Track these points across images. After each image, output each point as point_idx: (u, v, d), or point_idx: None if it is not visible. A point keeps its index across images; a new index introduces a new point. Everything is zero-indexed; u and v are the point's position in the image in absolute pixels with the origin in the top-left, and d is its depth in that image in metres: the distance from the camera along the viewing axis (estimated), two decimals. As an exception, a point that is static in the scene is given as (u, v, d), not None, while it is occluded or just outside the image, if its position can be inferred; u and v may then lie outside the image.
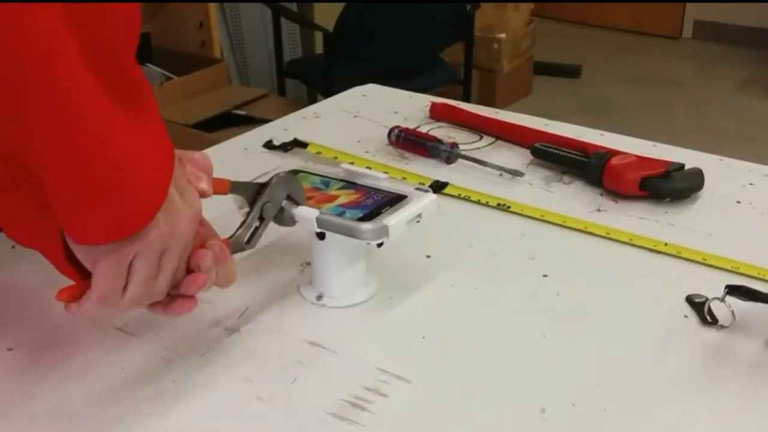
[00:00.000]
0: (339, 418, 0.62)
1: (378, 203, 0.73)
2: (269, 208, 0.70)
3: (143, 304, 0.61)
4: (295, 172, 0.78)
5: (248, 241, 0.69)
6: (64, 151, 0.51)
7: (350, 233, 0.70)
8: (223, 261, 0.64)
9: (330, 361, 0.68)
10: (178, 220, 0.58)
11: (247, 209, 0.70)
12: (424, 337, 0.71)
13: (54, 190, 0.54)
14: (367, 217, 0.71)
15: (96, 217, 0.54)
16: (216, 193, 0.65)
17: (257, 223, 0.70)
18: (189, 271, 0.62)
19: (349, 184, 0.77)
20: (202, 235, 0.64)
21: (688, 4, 4.83)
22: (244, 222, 0.69)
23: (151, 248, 0.57)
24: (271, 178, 0.71)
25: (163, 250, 0.58)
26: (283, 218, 0.72)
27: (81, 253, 0.57)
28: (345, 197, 0.74)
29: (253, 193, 0.70)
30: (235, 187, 0.69)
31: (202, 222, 0.65)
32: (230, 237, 0.68)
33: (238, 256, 0.67)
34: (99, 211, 0.54)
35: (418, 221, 0.72)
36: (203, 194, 0.63)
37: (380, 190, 0.75)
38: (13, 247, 0.84)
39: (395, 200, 0.73)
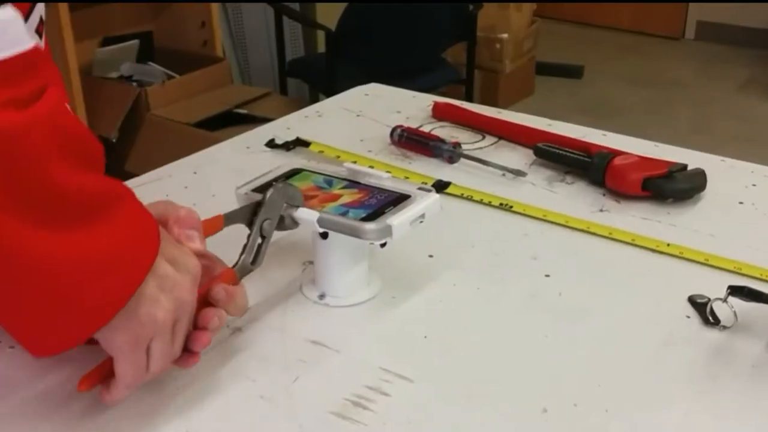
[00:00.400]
0: (341, 417, 0.62)
1: (381, 203, 0.73)
2: (268, 224, 0.70)
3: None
4: (297, 171, 0.78)
5: (253, 262, 0.69)
6: None
7: (354, 233, 0.70)
8: (230, 301, 0.65)
9: (332, 360, 0.68)
10: (181, 293, 0.59)
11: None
12: (426, 337, 0.71)
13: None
14: (371, 217, 0.71)
15: (46, 333, 0.56)
16: (210, 234, 0.67)
17: (259, 241, 0.70)
18: (195, 326, 0.63)
19: (353, 183, 0.77)
20: (208, 268, 0.65)
21: (690, 5, 4.83)
22: (246, 245, 0.69)
23: (165, 327, 0.59)
24: (264, 195, 0.71)
25: (174, 322, 0.60)
26: (284, 225, 0.72)
27: (102, 344, 0.59)
28: (348, 196, 0.74)
29: (249, 215, 0.70)
30: (229, 219, 0.69)
31: (206, 255, 0.66)
32: (235, 264, 0.68)
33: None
34: (47, 329, 0.55)
35: (421, 221, 0.72)
36: (198, 252, 0.64)
37: (384, 189, 0.75)
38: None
39: (399, 200, 0.73)
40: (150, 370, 0.60)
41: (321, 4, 3.35)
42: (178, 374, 0.66)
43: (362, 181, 0.77)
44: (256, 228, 0.70)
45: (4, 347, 0.69)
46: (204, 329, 0.63)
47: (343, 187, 0.76)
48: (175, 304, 0.59)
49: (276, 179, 0.77)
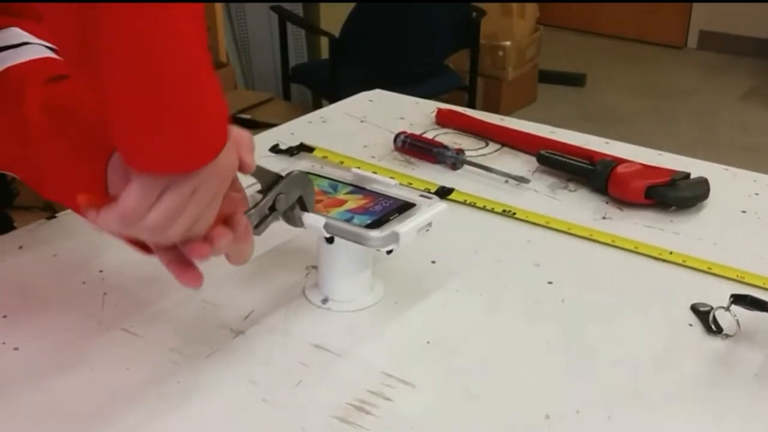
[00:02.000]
0: (343, 422, 0.62)
1: (386, 210, 0.73)
2: (282, 200, 0.70)
3: (155, 240, 0.60)
4: (303, 174, 0.78)
5: (256, 227, 0.68)
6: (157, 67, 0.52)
7: (359, 240, 0.70)
8: (244, 240, 0.64)
9: (335, 364, 0.69)
10: (215, 168, 0.58)
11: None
12: (428, 342, 0.71)
13: (126, 115, 0.54)
14: (376, 224, 0.71)
15: (165, 143, 0.55)
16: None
17: (267, 212, 0.69)
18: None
19: (358, 189, 0.77)
20: (234, 201, 0.64)
21: (693, 14, 4.83)
22: (256, 205, 0.68)
23: (184, 184, 0.57)
24: (290, 173, 0.71)
25: (193, 190, 0.58)
26: (293, 216, 0.72)
27: (121, 173, 0.58)
28: (353, 202, 0.74)
29: (270, 181, 0.70)
30: (257, 171, 0.69)
31: (239, 188, 0.65)
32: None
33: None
34: (171, 135, 0.55)
35: (427, 230, 0.72)
36: (247, 167, 0.64)
37: (389, 196, 0.75)
38: (21, 247, 0.84)
39: (404, 207, 0.73)
40: (147, 218, 0.57)
41: (324, 10, 3.35)
42: (181, 376, 0.66)
43: (368, 187, 0.77)
44: (271, 195, 0.69)
45: (8, 348, 0.69)
46: (209, 241, 0.61)
47: (348, 193, 0.76)
48: (205, 174, 0.57)
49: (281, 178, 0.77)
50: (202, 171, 0.57)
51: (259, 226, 0.69)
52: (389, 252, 0.71)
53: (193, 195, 0.58)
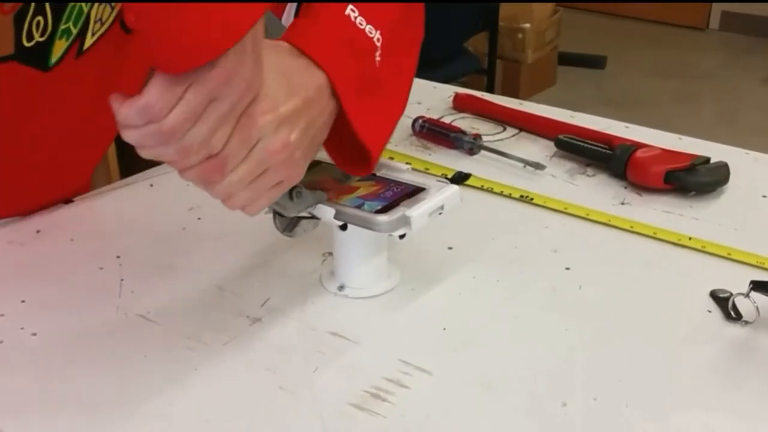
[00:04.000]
0: (360, 409, 0.62)
1: (397, 195, 0.73)
2: (296, 194, 0.70)
3: (173, 147, 0.59)
4: (315, 163, 0.78)
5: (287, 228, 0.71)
6: None
7: (368, 225, 0.70)
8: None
9: (352, 351, 0.69)
10: (239, 73, 0.57)
11: None
12: (445, 329, 0.71)
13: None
14: (386, 209, 0.71)
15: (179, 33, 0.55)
16: None
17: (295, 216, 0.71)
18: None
19: (369, 175, 0.77)
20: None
21: (715, -5, 4.79)
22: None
23: (205, 83, 0.56)
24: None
25: (213, 96, 0.57)
26: (296, 231, 0.73)
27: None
28: (365, 189, 0.74)
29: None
30: None
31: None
32: None
33: (260, 246, 0.68)
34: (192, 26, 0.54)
35: (440, 213, 0.72)
36: None
37: (399, 182, 0.75)
38: (38, 231, 0.84)
39: (414, 192, 0.73)
40: (168, 119, 0.57)
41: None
42: (199, 364, 0.66)
43: (380, 173, 0.77)
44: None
45: (27, 334, 0.70)
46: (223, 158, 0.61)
47: (360, 180, 0.76)
48: (226, 77, 0.57)
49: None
50: (219, 72, 0.56)
51: (291, 227, 0.70)
52: (402, 237, 0.70)
53: (212, 102, 0.58)
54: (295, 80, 0.64)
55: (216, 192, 0.63)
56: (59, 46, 0.76)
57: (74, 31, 0.77)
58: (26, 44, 0.74)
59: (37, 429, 0.60)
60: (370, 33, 0.70)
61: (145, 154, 0.59)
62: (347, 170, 0.74)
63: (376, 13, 0.71)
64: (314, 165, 0.78)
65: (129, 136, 0.58)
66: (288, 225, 0.72)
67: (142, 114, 0.57)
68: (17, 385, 0.64)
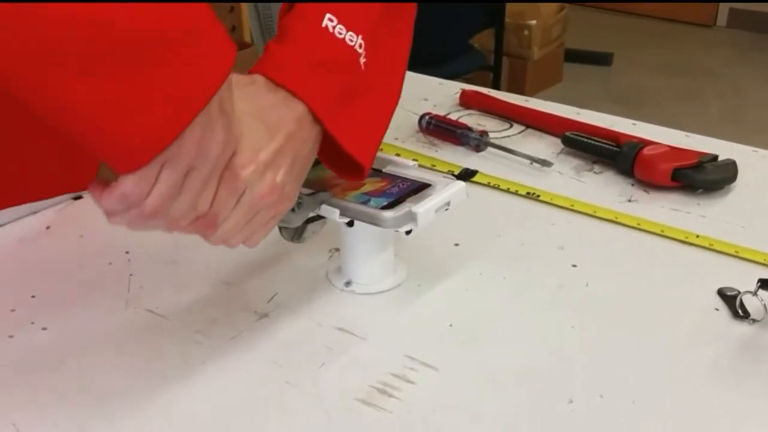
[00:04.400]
0: (366, 404, 0.62)
1: (403, 191, 0.73)
2: (300, 204, 0.69)
3: (161, 220, 0.59)
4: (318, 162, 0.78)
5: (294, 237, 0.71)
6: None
7: (374, 221, 0.70)
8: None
9: (358, 347, 0.69)
10: (210, 141, 0.56)
11: None
12: (451, 325, 0.71)
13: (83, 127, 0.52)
14: (392, 205, 0.71)
15: (135, 132, 0.53)
16: None
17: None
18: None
19: (375, 172, 0.77)
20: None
21: (722, -7, 4.77)
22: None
23: (178, 160, 0.55)
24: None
25: (190, 168, 0.56)
26: (305, 237, 0.73)
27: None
28: (371, 185, 0.74)
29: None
30: None
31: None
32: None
33: (267, 242, 0.68)
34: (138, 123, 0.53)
35: (446, 209, 0.72)
36: None
37: (406, 178, 0.75)
38: (48, 227, 0.85)
39: (420, 188, 0.73)
40: (148, 200, 0.56)
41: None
42: (206, 358, 0.67)
43: (386, 170, 0.77)
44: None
45: (36, 329, 0.70)
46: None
47: (366, 176, 0.76)
48: (198, 148, 0.55)
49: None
50: (188, 147, 0.55)
51: (299, 235, 0.71)
52: (408, 233, 0.71)
53: (189, 172, 0.57)
54: (273, 118, 0.62)
55: (212, 241, 0.63)
56: None
57: None
58: None
59: (49, 423, 0.61)
60: (351, 41, 0.66)
61: (135, 230, 0.59)
62: (341, 177, 0.72)
63: (356, 15, 0.67)
64: (318, 162, 0.78)
65: (115, 222, 0.58)
66: (294, 234, 0.72)
67: (121, 203, 0.56)
68: (28, 380, 0.65)
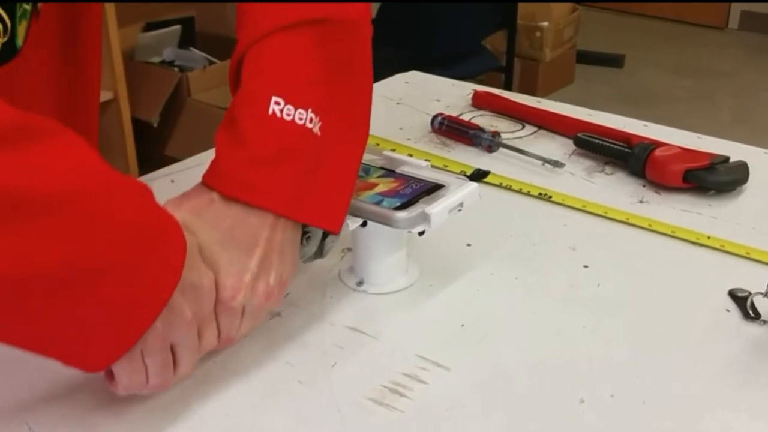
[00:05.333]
0: (378, 404, 0.63)
1: (416, 192, 0.73)
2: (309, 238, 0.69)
3: (172, 383, 0.61)
4: None
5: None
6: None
7: (387, 222, 0.70)
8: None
9: (370, 346, 0.69)
10: (179, 321, 0.58)
11: None
12: (463, 325, 0.72)
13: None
14: (405, 206, 0.71)
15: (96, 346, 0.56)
16: None
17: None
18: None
19: (389, 172, 0.77)
20: None
21: (734, -6, 4.76)
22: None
23: (153, 347, 0.57)
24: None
25: (170, 344, 0.58)
26: (324, 252, 0.72)
27: None
28: (384, 185, 0.75)
29: None
30: None
31: None
32: None
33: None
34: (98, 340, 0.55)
35: (459, 210, 0.72)
36: None
37: (419, 179, 0.76)
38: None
39: (433, 189, 0.73)
40: (150, 383, 0.59)
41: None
42: (218, 357, 0.67)
43: (399, 170, 0.77)
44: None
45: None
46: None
47: (380, 176, 0.76)
48: (166, 331, 0.57)
49: None
50: (154, 338, 0.57)
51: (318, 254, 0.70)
52: (421, 233, 0.71)
53: (175, 345, 0.59)
54: (244, 235, 0.62)
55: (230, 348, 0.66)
56: (22, 29, 0.70)
57: (29, 8, 0.70)
58: None
59: (60, 423, 0.61)
60: (301, 119, 0.63)
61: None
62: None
63: (302, 89, 0.64)
64: None
65: (141, 394, 0.61)
66: (311, 256, 0.70)
67: (129, 390, 0.59)
68: (40, 381, 0.65)
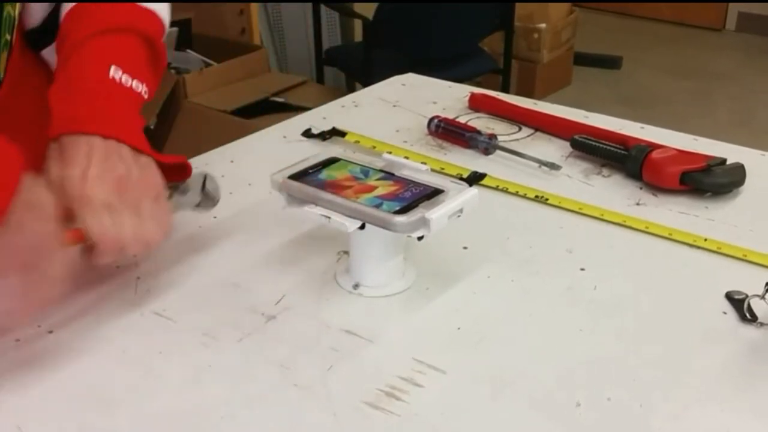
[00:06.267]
0: (374, 407, 0.62)
1: (416, 196, 0.73)
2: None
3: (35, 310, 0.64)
4: (334, 160, 0.78)
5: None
6: None
7: (386, 226, 0.70)
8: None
9: (366, 350, 0.69)
10: (17, 241, 0.60)
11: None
12: (460, 329, 0.71)
13: None
14: (404, 210, 0.71)
15: None
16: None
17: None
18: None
19: (388, 175, 0.77)
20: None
21: (732, -4, 4.76)
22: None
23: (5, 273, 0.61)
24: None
25: (26, 265, 0.61)
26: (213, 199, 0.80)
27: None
28: (383, 188, 0.74)
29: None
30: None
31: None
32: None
33: (275, 243, 0.68)
34: None
35: (459, 215, 0.72)
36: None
37: (419, 183, 0.75)
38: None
39: (433, 194, 0.73)
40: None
41: (359, -7, 3.35)
42: (213, 360, 0.67)
43: (398, 173, 0.77)
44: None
45: (43, 332, 0.70)
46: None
47: (379, 179, 0.76)
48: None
49: (313, 167, 0.77)
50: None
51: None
52: (420, 238, 0.71)
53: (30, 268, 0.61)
54: (75, 147, 0.69)
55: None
56: (2, 60, 0.77)
57: (10, 38, 0.77)
58: None
59: (54, 425, 0.61)
60: (138, 88, 0.75)
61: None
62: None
63: (137, 67, 0.76)
64: (333, 161, 0.78)
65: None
66: (201, 204, 0.79)
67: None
68: (34, 383, 0.65)
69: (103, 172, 0.67)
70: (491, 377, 0.66)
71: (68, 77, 0.73)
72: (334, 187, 0.74)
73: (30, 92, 0.82)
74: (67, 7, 0.78)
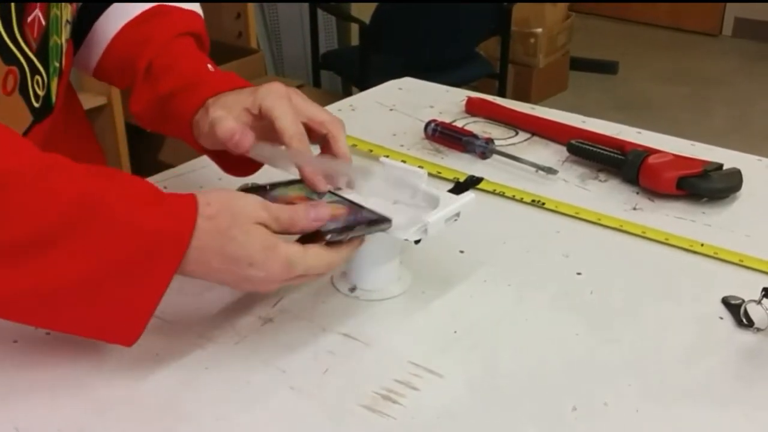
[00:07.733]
0: (370, 411, 0.62)
1: (358, 222, 0.69)
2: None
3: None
4: (298, 181, 0.75)
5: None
6: None
7: (383, 229, 0.70)
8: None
9: (362, 353, 0.69)
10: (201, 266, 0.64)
11: None
12: (456, 332, 0.71)
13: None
14: (349, 228, 0.68)
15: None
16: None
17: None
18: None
19: (341, 199, 0.73)
20: None
21: (728, 1, 4.76)
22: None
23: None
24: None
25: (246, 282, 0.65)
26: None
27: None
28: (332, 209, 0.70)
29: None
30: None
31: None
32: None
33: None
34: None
35: (455, 219, 0.72)
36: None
37: (370, 210, 0.71)
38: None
39: (374, 222, 0.69)
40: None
41: (356, -3, 3.35)
42: (209, 363, 0.67)
43: (398, 179, 0.75)
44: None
45: (41, 332, 0.70)
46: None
47: (331, 201, 0.73)
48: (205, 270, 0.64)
49: (273, 184, 0.74)
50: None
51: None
52: (417, 242, 0.71)
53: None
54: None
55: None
56: (54, 86, 0.77)
57: (59, 66, 0.77)
58: (36, 105, 0.74)
59: (51, 427, 0.61)
60: None
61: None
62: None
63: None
64: (296, 182, 0.75)
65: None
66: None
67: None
68: (31, 384, 0.65)
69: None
70: (487, 381, 0.66)
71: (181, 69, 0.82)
72: (284, 203, 0.69)
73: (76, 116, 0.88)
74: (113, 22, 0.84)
